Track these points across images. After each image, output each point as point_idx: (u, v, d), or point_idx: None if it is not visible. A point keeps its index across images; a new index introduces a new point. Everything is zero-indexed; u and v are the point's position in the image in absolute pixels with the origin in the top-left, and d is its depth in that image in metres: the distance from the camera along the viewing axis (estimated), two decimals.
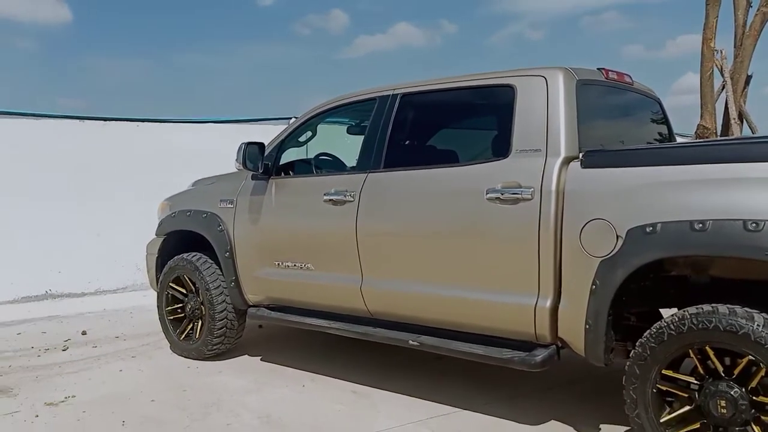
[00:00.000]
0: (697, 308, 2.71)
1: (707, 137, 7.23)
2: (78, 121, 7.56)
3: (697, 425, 2.74)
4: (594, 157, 3.08)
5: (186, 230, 4.92)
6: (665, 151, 3.11)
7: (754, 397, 2.62)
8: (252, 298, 4.57)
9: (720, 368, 2.68)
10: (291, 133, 4.49)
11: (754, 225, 2.52)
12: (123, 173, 7.67)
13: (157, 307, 5.13)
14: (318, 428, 3.49)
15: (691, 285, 3.11)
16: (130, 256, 7.38)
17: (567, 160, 3.15)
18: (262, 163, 4.34)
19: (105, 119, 7.74)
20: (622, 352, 3.14)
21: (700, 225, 2.65)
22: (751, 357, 2.58)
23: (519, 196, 3.21)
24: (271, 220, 4.37)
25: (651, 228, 2.78)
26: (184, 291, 4.91)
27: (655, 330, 2.81)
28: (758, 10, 7.32)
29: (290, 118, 8.88)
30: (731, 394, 2.64)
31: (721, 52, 7.59)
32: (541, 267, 3.16)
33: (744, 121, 7.70)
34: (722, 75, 7.59)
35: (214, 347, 4.72)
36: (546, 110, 3.26)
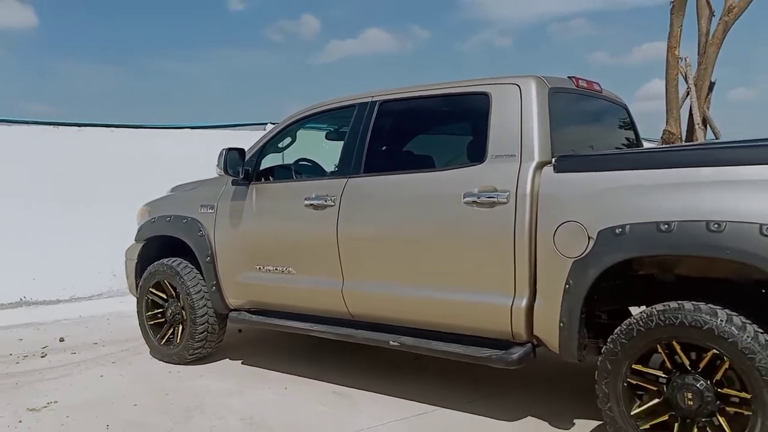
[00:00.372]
0: (664, 305, 2.85)
1: (673, 142, 7.47)
2: (52, 127, 7.50)
3: (665, 417, 2.88)
4: (566, 162, 3.21)
5: (166, 235, 4.95)
6: (633, 156, 3.26)
7: (718, 389, 2.76)
8: (233, 302, 4.62)
9: (686, 362, 2.83)
10: (271, 138, 4.57)
11: (716, 225, 2.67)
12: (98, 179, 7.63)
13: (137, 312, 5.14)
14: (301, 429, 3.57)
15: (659, 284, 3.25)
16: (107, 262, 7.38)
17: (540, 165, 3.28)
18: (242, 169, 4.40)
19: (80, 125, 7.69)
20: (594, 349, 3.28)
21: (666, 226, 2.79)
22: (715, 351, 2.72)
23: (495, 199, 3.33)
24: (252, 224, 4.43)
25: (620, 229, 2.92)
26: (164, 296, 4.94)
27: (624, 326, 2.95)
28: (720, 18, 7.58)
29: (266, 124, 8.94)
30: (697, 387, 2.78)
31: (686, 60, 7.85)
32: (516, 268, 3.28)
33: (708, 126, 7.96)
34: (686, 82, 7.84)
35: (196, 351, 4.75)
36: (520, 117, 3.39)
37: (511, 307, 3.31)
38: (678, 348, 2.83)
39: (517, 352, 3.34)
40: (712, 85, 7.90)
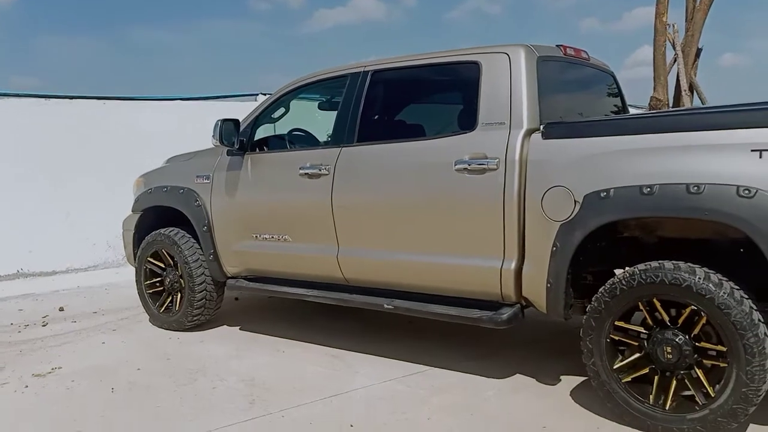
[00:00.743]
0: (645, 265, 2.99)
1: (660, 108, 7.58)
2: (44, 99, 7.50)
3: (646, 370, 3.04)
4: (554, 129, 3.32)
5: (163, 206, 5.04)
6: (617, 122, 3.38)
7: (696, 343, 2.91)
8: (230, 270, 4.74)
9: (666, 318, 2.97)
10: (265, 109, 4.63)
11: (695, 188, 2.80)
12: (90, 151, 7.66)
13: (136, 281, 5.26)
14: (300, 388, 3.71)
15: (644, 246, 3.39)
16: (102, 234, 7.47)
17: (529, 132, 3.39)
18: (237, 139, 4.48)
19: (71, 97, 7.70)
20: (579, 309, 3.42)
21: (648, 189, 2.92)
22: (693, 307, 2.87)
23: (485, 166, 3.44)
24: (248, 194, 4.53)
25: (605, 193, 3.05)
26: (162, 265, 5.05)
27: (608, 285, 3.09)
28: None
29: (256, 95, 8.97)
30: (676, 341, 2.93)
31: (673, 26, 7.94)
32: (506, 232, 3.41)
33: (695, 92, 8.07)
34: (674, 48, 7.93)
35: (194, 318, 4.89)
36: (509, 85, 3.49)
37: (501, 270, 3.44)
38: (658, 305, 2.97)
39: (506, 313, 3.49)
40: (699, 52, 8.00)
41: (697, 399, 2.91)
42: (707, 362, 2.91)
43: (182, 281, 4.89)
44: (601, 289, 3.13)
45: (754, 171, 2.70)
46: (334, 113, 4.29)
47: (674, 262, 2.93)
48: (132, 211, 5.33)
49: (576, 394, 3.49)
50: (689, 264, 2.90)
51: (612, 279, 3.10)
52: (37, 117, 7.40)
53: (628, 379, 3.08)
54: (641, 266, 3.00)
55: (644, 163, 2.97)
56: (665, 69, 7.74)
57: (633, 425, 3.05)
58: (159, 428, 3.27)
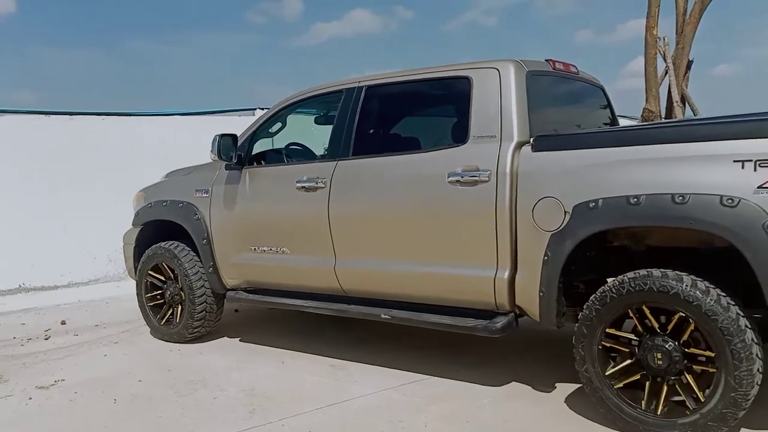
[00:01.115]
0: (634, 273, 3.07)
1: (652, 120, 7.69)
2: (44, 116, 7.60)
3: (637, 376, 3.12)
4: (543, 142, 3.41)
5: (163, 220, 5.12)
6: (604, 134, 3.47)
7: (686, 349, 2.99)
8: (230, 282, 4.81)
9: (656, 325, 3.05)
10: (262, 124, 4.73)
11: (680, 198, 2.88)
12: (90, 167, 7.74)
13: (137, 294, 5.32)
14: (299, 398, 3.78)
15: (633, 254, 3.47)
16: (102, 248, 7.54)
17: (519, 145, 3.48)
18: (235, 154, 4.57)
19: (71, 113, 7.79)
20: (572, 317, 3.49)
21: (635, 200, 3.00)
22: (681, 314, 2.95)
23: (477, 178, 3.53)
24: (247, 207, 4.61)
25: (594, 204, 3.13)
26: (162, 278, 5.12)
27: (599, 294, 3.17)
28: None
29: (254, 109, 9.08)
30: (666, 348, 3.01)
31: (664, 39, 8.06)
32: (498, 242, 3.49)
33: (687, 103, 8.19)
34: (665, 61, 8.04)
35: (195, 330, 4.95)
36: (499, 99, 3.58)
37: (495, 279, 3.52)
38: (648, 312, 3.05)
39: (500, 322, 3.57)
40: (690, 64, 8.12)
41: (687, 404, 2.98)
42: (697, 368, 2.99)
43: (182, 294, 4.96)
44: (592, 298, 3.21)
45: (736, 181, 2.78)
46: (330, 127, 4.39)
47: (662, 270, 3.01)
48: (132, 225, 5.41)
49: (571, 400, 3.55)
50: (677, 272, 2.98)
51: (602, 287, 3.18)
52: (38, 133, 7.49)
53: (620, 385, 3.15)
54: (630, 274, 3.08)
55: (631, 174, 3.06)
56: (657, 81, 7.86)
57: (625, 430, 3.12)
58: None
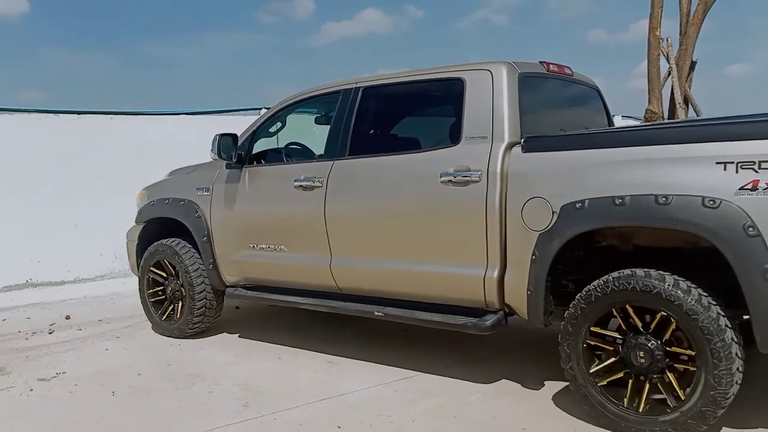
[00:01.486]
0: (618, 273, 3.12)
1: (654, 120, 7.71)
2: (53, 114, 7.73)
3: (621, 374, 3.17)
4: (533, 143, 3.47)
5: (165, 217, 5.22)
6: (591, 136, 3.52)
7: (668, 348, 3.04)
8: (229, 279, 4.90)
9: (639, 324, 3.11)
10: (262, 124, 4.82)
11: (663, 199, 2.93)
12: (97, 165, 7.87)
13: (139, 290, 5.43)
14: (293, 393, 3.86)
15: (621, 254, 3.51)
16: (109, 245, 7.65)
17: (510, 146, 3.54)
18: (235, 153, 4.66)
19: (79, 113, 7.92)
20: (560, 315, 3.54)
21: (620, 200, 3.06)
22: (663, 313, 3.00)
23: (469, 178, 3.59)
24: (246, 206, 4.70)
25: (580, 204, 3.19)
26: (164, 274, 5.22)
27: (584, 292, 3.23)
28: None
29: (260, 109, 9.16)
30: (648, 346, 3.06)
31: (667, 40, 8.06)
32: (488, 241, 3.55)
33: (689, 104, 8.19)
34: (668, 62, 8.06)
35: (195, 326, 5.05)
36: (491, 101, 3.64)
37: (484, 278, 3.59)
38: (631, 311, 3.11)
39: (490, 320, 3.63)
40: (693, 65, 8.12)
41: (668, 402, 3.03)
42: (678, 366, 3.04)
43: (183, 290, 5.05)
44: (577, 296, 3.27)
45: (718, 183, 2.83)
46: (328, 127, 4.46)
47: (645, 270, 3.06)
48: (135, 222, 5.52)
49: (558, 398, 3.61)
50: (660, 272, 3.03)
51: (588, 286, 3.23)
52: (47, 132, 7.62)
53: (604, 382, 3.20)
54: (614, 274, 3.14)
55: (617, 175, 3.11)
56: (659, 82, 7.88)
57: (608, 427, 3.17)
58: (156, 429, 3.42)
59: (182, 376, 4.22)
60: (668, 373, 3.05)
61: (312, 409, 3.60)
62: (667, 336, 3.03)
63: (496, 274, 3.56)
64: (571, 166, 3.28)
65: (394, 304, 4.06)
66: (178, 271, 5.06)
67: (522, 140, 3.52)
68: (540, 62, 4.03)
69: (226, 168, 4.81)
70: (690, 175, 2.91)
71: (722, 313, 2.91)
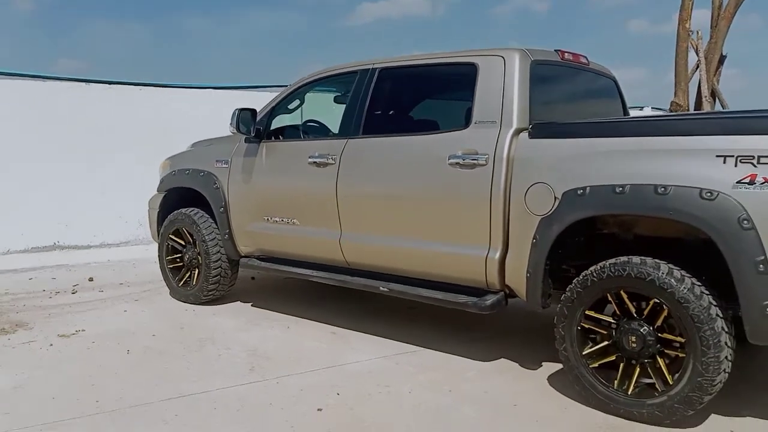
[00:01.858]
0: (615, 259, 3.19)
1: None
2: (84, 83, 7.95)
3: (613, 357, 3.25)
4: (539, 129, 3.54)
5: (185, 187, 5.39)
6: (596, 124, 3.56)
7: (659, 334, 3.11)
8: (244, 249, 5.06)
9: (632, 309, 3.18)
10: (281, 101, 4.94)
11: (662, 189, 2.99)
12: (125, 134, 8.09)
13: (158, 257, 5.64)
14: (298, 360, 4.01)
15: (621, 242, 3.58)
16: (133, 212, 7.89)
17: (518, 131, 3.61)
18: (254, 128, 4.80)
19: (110, 83, 8.14)
20: (559, 299, 3.62)
21: (620, 189, 3.12)
22: (656, 300, 3.07)
23: (476, 161, 3.67)
24: (262, 179, 4.84)
25: (582, 191, 3.26)
26: (182, 242, 5.41)
27: (581, 277, 3.30)
28: None
29: (286, 86, 9.28)
30: (640, 332, 3.13)
31: (697, 33, 7.97)
32: (492, 223, 3.64)
33: (716, 98, 8.11)
34: (697, 55, 7.97)
35: (210, 293, 5.23)
36: (502, 87, 3.71)
37: (486, 259, 3.68)
38: (625, 297, 3.18)
39: (490, 299, 3.72)
40: (722, 59, 8.03)
41: (656, 386, 3.11)
42: (669, 352, 3.11)
43: (200, 258, 5.24)
44: (574, 280, 3.35)
45: (717, 175, 2.87)
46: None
47: (641, 257, 3.12)
48: (157, 191, 5.71)
49: (552, 378, 3.71)
50: (655, 260, 3.09)
51: (585, 271, 3.31)
52: (78, 100, 7.86)
53: (596, 364, 3.29)
54: (611, 260, 3.21)
55: (619, 164, 3.17)
56: (687, 75, 7.81)
57: (598, 407, 3.26)
58: (165, 386, 3.59)
59: (194, 340, 4.40)
60: (658, 359, 3.12)
61: (314, 375, 3.75)
62: (659, 322, 3.10)
63: (497, 255, 3.65)
64: (575, 154, 3.34)
65: (399, 280, 4.17)
66: (196, 239, 5.24)
67: (529, 126, 3.59)
68: (555, 50, 4.07)
69: (245, 142, 4.95)
70: (690, 167, 2.96)
71: (714, 303, 2.96)
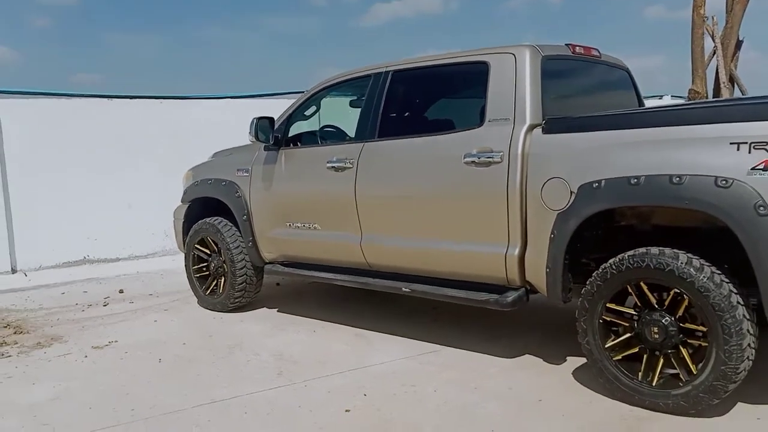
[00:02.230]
0: (633, 251, 3.20)
1: (697, 100, 7.59)
2: (107, 99, 8.13)
3: (636, 349, 3.27)
4: (553, 124, 3.56)
5: (208, 197, 5.50)
6: (609, 117, 3.57)
7: (681, 324, 3.12)
8: (268, 255, 5.16)
9: (653, 300, 3.19)
10: (298, 108, 5.02)
11: (677, 179, 3.00)
12: (148, 147, 8.23)
13: (185, 266, 5.75)
14: (323, 362, 4.08)
15: (640, 234, 3.58)
16: (159, 224, 8.03)
17: (531, 128, 3.64)
18: (272, 136, 4.89)
19: (131, 97, 8.30)
20: (579, 292, 3.64)
21: (635, 180, 3.13)
22: (676, 290, 3.08)
23: (491, 159, 3.71)
24: (282, 186, 4.93)
25: (597, 184, 3.27)
26: (208, 251, 5.52)
27: (600, 270, 3.32)
28: None
29: (302, 92, 9.38)
30: (662, 322, 3.14)
31: (713, 18, 7.89)
32: (510, 220, 3.67)
33: (735, 84, 8.02)
34: (713, 41, 7.89)
35: (236, 300, 5.33)
36: (514, 83, 3.74)
37: (506, 256, 3.71)
38: (645, 288, 3.19)
39: (511, 296, 3.76)
40: (739, 44, 7.94)
41: (681, 376, 3.11)
42: (692, 341, 3.11)
43: (225, 266, 5.34)
44: (594, 274, 3.36)
45: (731, 163, 2.87)
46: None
47: (660, 248, 3.13)
48: (181, 201, 5.83)
49: (577, 373, 3.72)
50: (674, 250, 3.10)
51: (604, 264, 3.32)
52: (102, 115, 8.03)
53: (619, 357, 3.30)
54: (629, 252, 3.22)
55: (633, 155, 3.18)
56: (703, 62, 7.74)
57: (623, 400, 3.28)
58: (197, 393, 3.68)
59: (223, 347, 4.50)
60: (681, 349, 3.13)
61: (340, 378, 3.82)
62: (680, 312, 3.11)
63: (516, 252, 3.68)
64: (589, 147, 3.36)
65: (421, 280, 4.22)
66: (221, 248, 5.34)
67: (543, 122, 3.61)
68: (566, 44, 4.09)
69: (264, 150, 5.04)
70: (704, 156, 2.96)
71: (734, 291, 2.96)
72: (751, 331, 2.96)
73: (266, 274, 5.26)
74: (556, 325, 4.66)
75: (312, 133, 5.24)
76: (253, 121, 4.83)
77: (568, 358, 3.95)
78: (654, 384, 3.18)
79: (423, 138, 4.17)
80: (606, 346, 3.32)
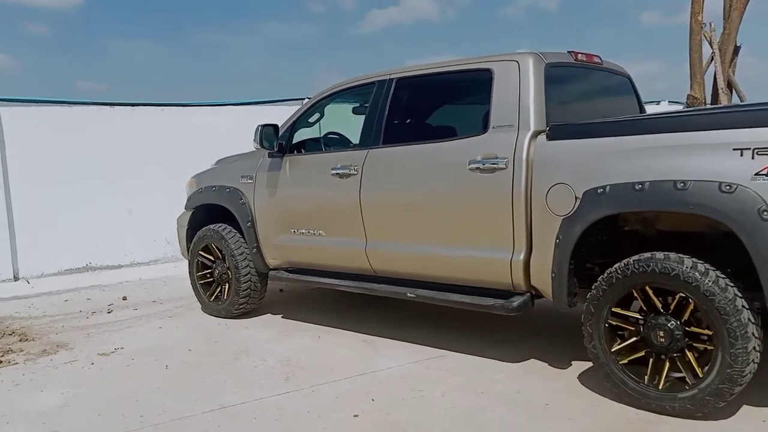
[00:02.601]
0: (639, 255, 3.24)
1: (696, 106, 7.64)
2: (109, 107, 8.16)
3: (642, 353, 3.30)
4: (557, 130, 3.60)
5: (212, 204, 5.53)
6: (613, 123, 3.61)
7: (687, 328, 3.15)
8: (272, 262, 5.18)
9: (659, 305, 3.22)
10: (302, 114, 5.06)
11: (682, 184, 3.04)
12: (150, 155, 8.26)
13: (189, 273, 5.78)
14: (330, 368, 4.11)
15: (644, 239, 3.62)
16: (161, 231, 8.05)
17: (535, 134, 3.68)
18: (276, 143, 4.92)
19: (133, 104, 8.33)
20: (584, 297, 3.68)
21: (640, 186, 3.17)
22: (682, 294, 3.11)
23: (496, 165, 3.75)
24: (287, 193, 4.96)
25: (602, 190, 3.31)
26: (212, 258, 5.54)
27: (606, 275, 3.35)
28: None
29: (303, 99, 9.43)
30: (668, 326, 3.18)
31: (710, 25, 7.95)
32: (515, 226, 3.71)
33: (733, 90, 8.08)
34: (711, 47, 7.95)
35: (241, 306, 5.35)
36: (518, 90, 3.78)
37: (511, 261, 3.74)
38: (651, 292, 3.22)
39: (516, 301, 3.79)
40: (737, 50, 8.00)
41: (687, 379, 3.14)
42: (697, 345, 3.14)
43: (229, 273, 5.36)
44: (599, 278, 3.40)
45: (735, 168, 2.92)
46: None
47: (665, 252, 3.17)
48: (185, 208, 5.85)
49: (583, 377, 3.75)
50: (678, 254, 3.13)
51: (609, 269, 3.36)
52: (103, 123, 8.05)
53: (625, 361, 3.33)
54: (635, 257, 3.25)
55: (637, 161, 3.22)
56: (701, 67, 7.80)
57: (630, 404, 3.30)
58: (206, 399, 3.70)
59: (229, 353, 4.52)
60: (687, 352, 3.16)
61: (348, 383, 3.84)
62: (686, 316, 3.14)
63: (522, 257, 3.71)
64: (594, 153, 3.40)
65: (426, 286, 4.25)
66: (225, 254, 5.36)
67: (547, 128, 3.65)
68: (568, 52, 4.14)
69: (269, 157, 5.07)
70: (708, 161, 3.00)
71: (739, 295, 3.00)
72: (756, 335, 3.00)
73: (271, 281, 5.28)
74: (561, 329, 4.70)
75: (316, 140, 5.28)
76: (257, 129, 4.87)
77: (573, 362, 3.98)
78: (660, 387, 3.20)
79: (427, 144, 4.21)
80: (612, 350, 3.35)
